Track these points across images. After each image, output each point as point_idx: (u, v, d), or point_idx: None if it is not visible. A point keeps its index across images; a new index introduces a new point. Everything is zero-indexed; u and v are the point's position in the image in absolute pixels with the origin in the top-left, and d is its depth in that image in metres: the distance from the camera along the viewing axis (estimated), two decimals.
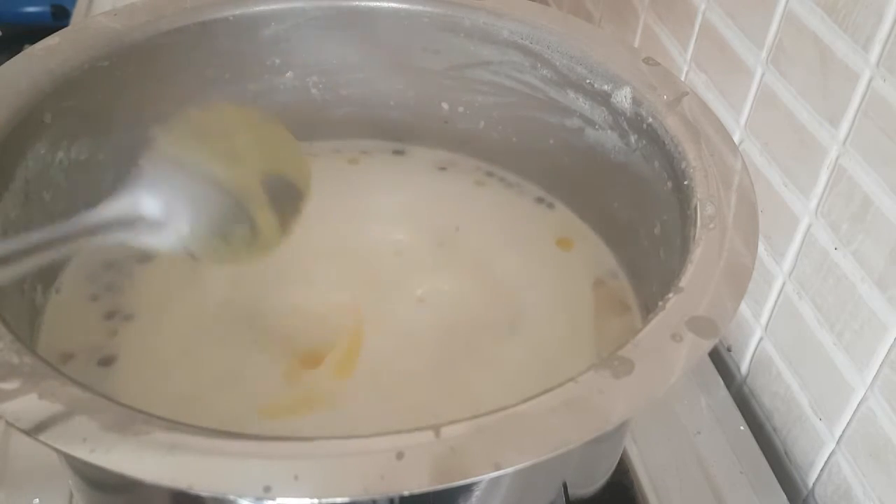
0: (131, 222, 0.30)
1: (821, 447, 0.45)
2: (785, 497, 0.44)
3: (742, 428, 0.48)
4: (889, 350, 0.39)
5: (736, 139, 0.49)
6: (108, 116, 0.41)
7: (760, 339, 0.50)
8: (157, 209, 0.31)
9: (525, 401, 0.26)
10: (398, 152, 0.50)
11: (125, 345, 0.38)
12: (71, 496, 0.40)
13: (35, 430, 0.24)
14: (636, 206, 0.41)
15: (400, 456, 0.24)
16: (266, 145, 0.33)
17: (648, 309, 0.39)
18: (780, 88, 0.45)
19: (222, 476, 0.24)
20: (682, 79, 0.54)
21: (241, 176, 0.32)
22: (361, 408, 0.36)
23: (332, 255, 0.43)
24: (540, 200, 0.47)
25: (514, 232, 0.45)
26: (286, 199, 0.33)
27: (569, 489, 0.34)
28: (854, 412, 0.42)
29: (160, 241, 0.31)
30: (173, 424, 0.25)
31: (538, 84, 0.44)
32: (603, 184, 0.43)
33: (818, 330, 0.44)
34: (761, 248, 0.48)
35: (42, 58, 0.39)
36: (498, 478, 0.25)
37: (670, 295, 0.30)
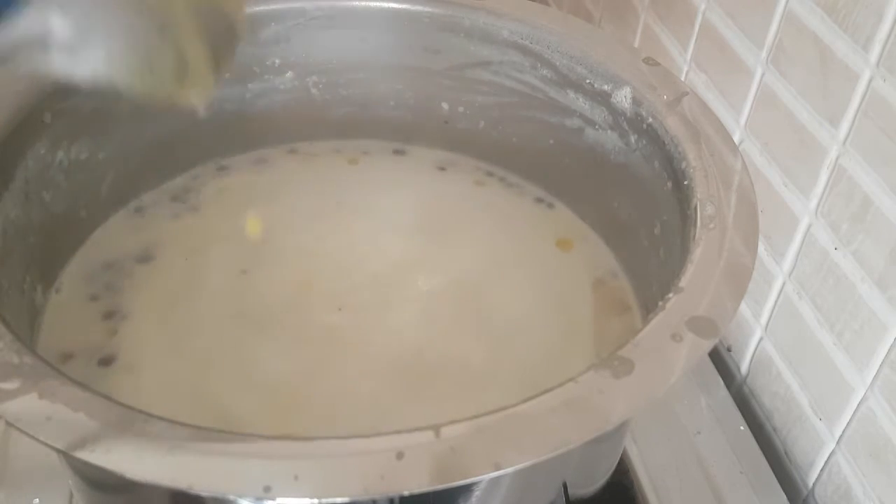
0: (40, 41, 0.27)
1: (821, 447, 0.45)
2: (785, 497, 0.44)
3: (742, 428, 0.48)
4: (889, 350, 0.39)
5: (736, 139, 0.49)
6: (108, 116, 0.41)
7: (760, 339, 0.50)
8: (67, 26, 0.28)
9: (525, 401, 0.26)
10: (398, 152, 0.50)
11: (125, 345, 0.38)
12: (71, 496, 0.40)
13: (35, 430, 0.24)
14: (636, 206, 0.41)
15: (400, 456, 0.24)
16: None
17: (648, 309, 0.39)
18: (780, 88, 0.45)
19: (222, 476, 0.24)
20: (682, 79, 0.54)
21: None
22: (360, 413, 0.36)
23: (332, 255, 0.43)
24: (540, 200, 0.47)
25: (513, 232, 0.45)
26: (220, 34, 0.30)
27: (569, 489, 0.34)
28: (854, 412, 0.42)
29: (75, 66, 0.28)
30: (173, 424, 0.25)
31: (538, 84, 0.44)
32: (603, 184, 0.43)
33: (818, 330, 0.44)
34: (761, 248, 0.48)
35: None
36: (498, 478, 0.25)
37: (670, 295, 0.30)
